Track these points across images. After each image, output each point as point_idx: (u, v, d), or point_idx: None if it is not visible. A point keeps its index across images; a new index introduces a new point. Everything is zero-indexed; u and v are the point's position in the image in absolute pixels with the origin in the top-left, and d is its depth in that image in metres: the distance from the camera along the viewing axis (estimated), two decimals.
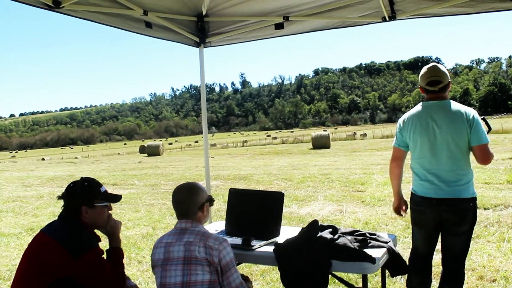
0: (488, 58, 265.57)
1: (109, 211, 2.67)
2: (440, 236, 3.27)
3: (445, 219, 3.10)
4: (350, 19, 4.10)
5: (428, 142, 3.11)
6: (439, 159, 3.09)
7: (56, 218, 2.54)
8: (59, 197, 2.56)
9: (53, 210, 10.27)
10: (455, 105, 3.14)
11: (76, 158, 51.74)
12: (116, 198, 2.69)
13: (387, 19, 3.90)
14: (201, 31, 4.51)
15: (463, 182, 3.08)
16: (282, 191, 3.27)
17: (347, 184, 11.69)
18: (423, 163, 3.17)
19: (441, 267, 3.37)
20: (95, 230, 2.60)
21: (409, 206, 3.41)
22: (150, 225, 8.09)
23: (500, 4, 3.47)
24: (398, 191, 3.46)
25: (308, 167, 17.61)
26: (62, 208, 2.54)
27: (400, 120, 3.36)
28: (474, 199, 3.12)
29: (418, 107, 3.25)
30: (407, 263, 3.22)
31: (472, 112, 3.09)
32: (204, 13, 4.30)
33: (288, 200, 9.64)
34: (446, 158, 3.08)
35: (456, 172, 3.07)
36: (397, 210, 3.52)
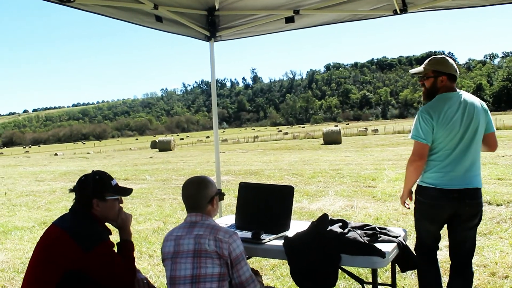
0: (502, 52, 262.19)
1: (120, 205, 2.68)
2: (449, 231, 3.25)
3: (461, 213, 3.08)
4: (361, 12, 4.07)
5: (460, 133, 3.06)
6: (466, 150, 3.07)
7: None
8: (71, 190, 2.58)
9: (65, 204, 10.37)
10: (470, 96, 3.18)
11: (88, 153, 52.20)
12: (127, 191, 2.70)
13: (399, 12, 3.87)
14: (211, 25, 4.51)
15: (478, 172, 3.14)
16: (293, 186, 3.26)
17: (358, 180, 11.64)
18: (448, 154, 3.08)
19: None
20: (106, 223, 2.62)
21: (415, 201, 3.32)
22: (161, 219, 8.13)
23: None
24: (411, 187, 3.36)
25: (319, 162, 17.56)
26: (74, 201, 2.56)
27: (425, 112, 3.11)
28: None
29: (440, 99, 3.16)
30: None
31: (482, 101, 3.21)
32: (217, 7, 4.29)
33: (299, 195, 9.63)
34: (471, 149, 3.08)
35: (476, 163, 3.12)
36: (404, 201, 3.45)
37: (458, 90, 3.20)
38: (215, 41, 4.70)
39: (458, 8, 3.75)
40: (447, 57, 3.28)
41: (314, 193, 9.97)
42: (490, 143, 3.23)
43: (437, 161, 3.12)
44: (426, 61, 3.32)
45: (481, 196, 3.14)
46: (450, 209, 3.08)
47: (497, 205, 7.48)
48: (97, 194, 2.52)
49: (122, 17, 3.65)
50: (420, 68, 3.31)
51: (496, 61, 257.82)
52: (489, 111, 3.20)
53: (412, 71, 3.40)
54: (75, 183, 2.59)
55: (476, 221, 3.15)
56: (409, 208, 3.46)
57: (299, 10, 4.17)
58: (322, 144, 33.21)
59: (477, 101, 3.17)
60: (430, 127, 3.08)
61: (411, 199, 3.43)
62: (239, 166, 17.95)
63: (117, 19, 3.61)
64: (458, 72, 3.25)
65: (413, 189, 3.39)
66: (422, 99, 3.42)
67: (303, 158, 20.44)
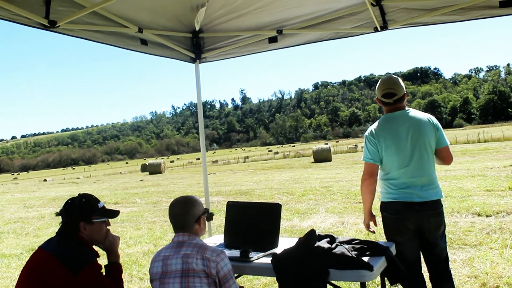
0: (487, 66, 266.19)
1: (108, 227, 2.68)
2: (420, 244, 3.29)
3: (425, 224, 3.17)
4: (343, 30, 4.16)
5: (404, 152, 3.18)
6: (415, 166, 3.17)
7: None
8: (57, 214, 2.57)
9: (54, 230, 10.13)
10: (417, 113, 3.30)
11: (78, 178, 51.74)
12: (114, 213, 2.70)
13: (379, 29, 3.97)
14: (196, 47, 4.57)
15: (436, 184, 3.24)
16: (280, 203, 3.28)
17: (348, 196, 11.67)
18: (400, 173, 3.20)
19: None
20: (94, 246, 2.61)
21: (382, 218, 3.38)
22: (152, 242, 8.07)
23: (490, 10, 3.52)
24: (371, 207, 3.48)
25: (310, 180, 17.58)
26: (60, 224, 2.55)
27: (369, 135, 3.34)
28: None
29: (384, 119, 3.32)
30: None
31: (432, 117, 3.32)
32: (197, 29, 4.35)
33: (289, 214, 9.62)
34: (421, 164, 3.18)
35: (430, 176, 3.21)
36: (369, 225, 3.54)
37: (407, 108, 3.32)
38: (200, 63, 4.76)
39: (436, 24, 3.86)
40: (383, 78, 3.44)
41: (305, 211, 9.97)
42: (443, 157, 3.31)
43: (393, 180, 3.24)
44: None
45: (441, 206, 3.24)
46: (415, 221, 3.16)
47: (487, 216, 7.53)
48: (84, 217, 2.51)
49: (108, 41, 3.69)
50: None
51: (481, 75, 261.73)
52: (440, 126, 3.29)
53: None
54: None
55: (441, 230, 3.25)
56: (373, 232, 3.55)
57: (282, 30, 4.26)
58: (313, 162, 33.28)
59: (425, 116, 3.27)
60: (375, 148, 3.27)
61: (375, 223, 3.51)
62: (229, 187, 17.92)
63: (102, 43, 3.64)
64: (398, 91, 3.27)
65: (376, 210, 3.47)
66: None
67: (294, 176, 20.46)
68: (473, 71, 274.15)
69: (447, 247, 3.37)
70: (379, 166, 3.34)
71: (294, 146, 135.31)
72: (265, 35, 4.38)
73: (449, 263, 3.37)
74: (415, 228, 3.19)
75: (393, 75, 3.38)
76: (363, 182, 3.39)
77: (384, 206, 3.32)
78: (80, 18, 3.20)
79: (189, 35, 4.48)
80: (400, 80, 3.35)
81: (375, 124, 3.36)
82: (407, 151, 3.17)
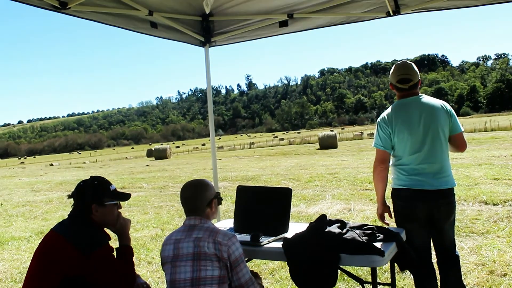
0: (495, 54, 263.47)
1: (119, 210, 2.68)
2: (431, 233, 3.29)
3: (436, 212, 3.16)
4: (354, 14, 4.09)
5: (416, 137, 3.15)
6: (427, 152, 3.15)
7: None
8: (69, 196, 2.57)
9: (62, 214, 10.34)
10: (430, 99, 3.26)
11: (84, 163, 52.02)
12: (126, 196, 2.70)
13: (391, 14, 3.91)
14: (206, 30, 4.53)
15: (449, 172, 3.22)
16: (290, 188, 3.27)
17: (355, 183, 11.66)
18: (411, 158, 3.17)
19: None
20: (105, 229, 2.62)
21: (392, 206, 3.36)
22: (159, 226, 8.12)
23: None
24: (383, 195, 3.42)
25: (316, 167, 17.58)
26: (72, 206, 2.56)
27: (381, 121, 3.31)
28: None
29: (397, 105, 3.28)
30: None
31: (446, 103, 3.27)
32: (207, 12, 4.31)
33: (296, 200, 9.64)
34: (434, 151, 3.15)
35: (443, 164, 3.18)
36: (382, 216, 3.48)
37: (420, 94, 3.28)
38: (210, 47, 4.73)
39: (450, 8, 3.78)
40: (398, 63, 3.37)
41: (311, 197, 9.98)
42: (457, 144, 3.29)
43: (404, 165, 3.20)
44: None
45: (453, 195, 3.23)
46: (426, 209, 3.15)
47: (494, 204, 7.51)
48: (96, 199, 2.51)
49: (117, 24, 3.67)
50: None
51: (489, 63, 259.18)
52: (454, 112, 3.26)
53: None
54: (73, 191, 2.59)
55: (452, 218, 3.25)
56: (388, 224, 3.47)
57: (293, 14, 4.20)
58: (318, 149, 33.26)
59: (438, 103, 3.23)
60: (387, 134, 3.22)
61: (390, 214, 3.43)
62: (235, 173, 17.95)
63: (112, 25, 3.62)
64: (414, 76, 3.25)
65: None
66: None
67: (300, 163, 20.45)
68: (481, 59, 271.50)
69: (455, 234, 3.37)
70: (391, 153, 3.30)
71: (299, 132, 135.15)
72: (275, 19, 4.32)
73: (457, 250, 3.36)
74: (425, 216, 3.18)
75: (407, 61, 3.33)
76: (375, 169, 3.35)
77: (395, 192, 3.30)
78: (91, 0, 3.18)
79: (199, 19, 4.44)
80: (414, 65, 3.30)
81: (388, 110, 3.32)
82: (419, 136, 3.14)
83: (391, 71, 3.35)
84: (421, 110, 3.17)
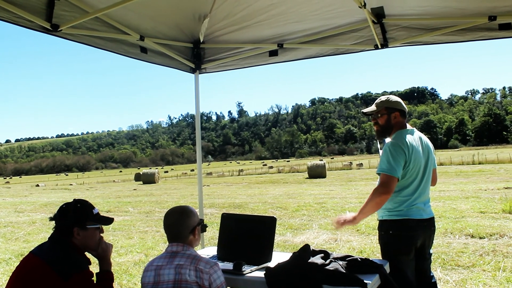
0: (483, 88, 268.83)
1: (101, 234, 2.65)
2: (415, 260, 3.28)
3: (426, 240, 3.25)
4: (343, 46, 4.17)
5: (423, 167, 3.22)
6: (424, 183, 3.23)
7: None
8: (51, 218, 2.53)
9: (45, 235, 10.15)
10: (420, 133, 3.45)
11: (71, 184, 51.46)
12: (108, 220, 2.67)
13: (380, 47, 3.98)
14: (196, 57, 4.57)
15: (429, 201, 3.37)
16: (275, 217, 3.25)
17: (342, 213, 11.61)
18: (413, 189, 3.18)
19: None
20: (86, 253, 2.57)
21: (388, 237, 3.24)
22: (143, 252, 8.00)
23: (489, 32, 3.56)
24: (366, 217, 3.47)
25: (304, 196, 17.55)
26: (53, 229, 2.52)
27: (398, 147, 3.09)
28: None
29: (405, 133, 3.24)
30: None
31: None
32: (201, 40, 4.36)
33: (282, 229, 9.58)
34: (428, 182, 3.29)
35: (428, 194, 3.32)
36: (342, 225, 3.52)
37: (409, 126, 3.36)
38: (200, 73, 4.76)
39: (436, 43, 3.88)
40: (397, 97, 3.44)
41: (298, 226, 9.92)
42: (433, 178, 3.41)
43: (407, 196, 3.15)
44: (378, 100, 3.43)
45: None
46: (422, 238, 3.20)
47: (480, 238, 7.52)
48: (78, 222, 2.48)
49: (108, 47, 3.68)
50: (373, 107, 3.39)
51: (477, 96, 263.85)
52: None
53: (364, 110, 3.44)
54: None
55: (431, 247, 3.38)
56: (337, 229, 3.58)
57: (283, 44, 4.27)
58: (307, 178, 33.27)
59: (426, 137, 3.42)
60: (403, 161, 3.07)
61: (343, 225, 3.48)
62: (223, 199, 17.85)
63: (103, 49, 3.63)
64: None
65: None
66: (376, 137, 3.54)
67: (288, 191, 20.42)
68: (469, 93, 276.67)
69: (440, 267, 3.42)
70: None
71: (289, 161, 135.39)
72: (266, 48, 4.39)
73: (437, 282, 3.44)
74: (419, 246, 3.20)
75: (392, 94, 3.45)
76: (380, 195, 3.06)
77: (393, 224, 3.17)
78: (82, 23, 3.20)
79: (190, 45, 4.48)
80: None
81: (401, 136, 3.19)
82: (422, 168, 3.21)
83: (399, 100, 3.34)
84: (421, 141, 3.29)
